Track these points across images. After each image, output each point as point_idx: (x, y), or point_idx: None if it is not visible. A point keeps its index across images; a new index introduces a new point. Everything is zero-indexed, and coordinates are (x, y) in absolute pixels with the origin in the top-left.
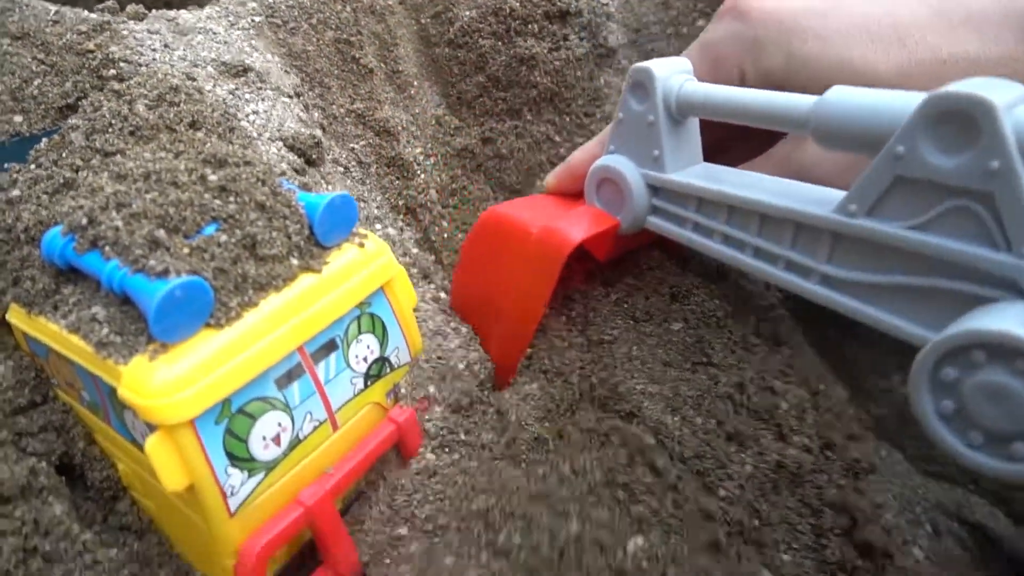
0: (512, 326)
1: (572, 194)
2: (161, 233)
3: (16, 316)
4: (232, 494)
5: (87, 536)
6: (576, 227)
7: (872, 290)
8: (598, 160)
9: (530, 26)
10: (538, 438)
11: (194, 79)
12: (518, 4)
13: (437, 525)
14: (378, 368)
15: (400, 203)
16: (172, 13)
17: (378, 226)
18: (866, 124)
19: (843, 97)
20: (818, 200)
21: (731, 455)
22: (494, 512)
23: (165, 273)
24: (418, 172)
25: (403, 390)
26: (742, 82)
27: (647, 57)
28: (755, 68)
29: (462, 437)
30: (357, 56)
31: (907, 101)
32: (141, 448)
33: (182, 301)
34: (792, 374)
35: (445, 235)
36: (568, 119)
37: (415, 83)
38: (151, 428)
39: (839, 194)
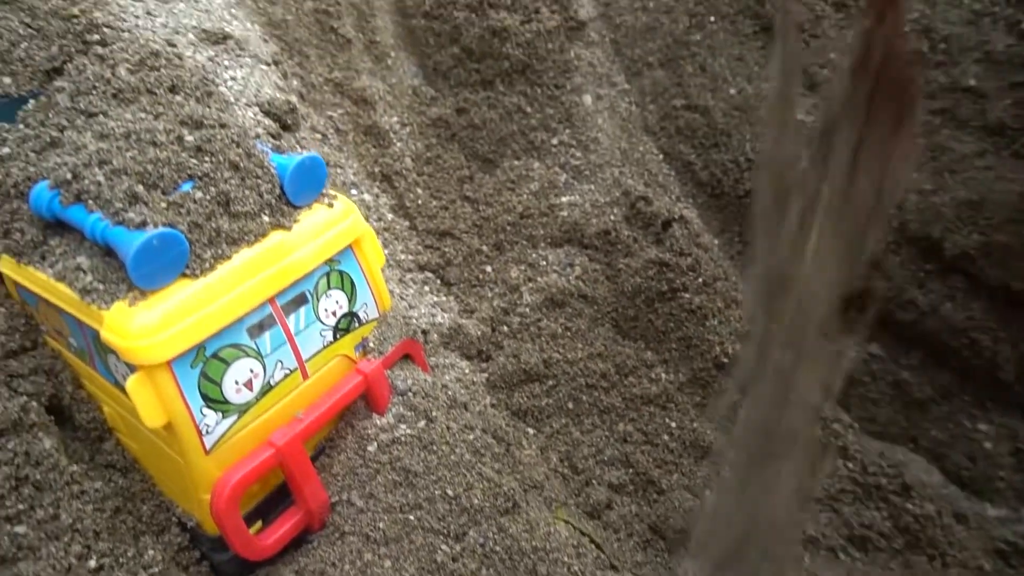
0: None
1: None
2: (140, 188)
3: (7, 266)
4: (207, 433)
5: (74, 468)
6: None
7: None
8: None
9: None
10: None
11: (174, 45)
12: None
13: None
14: (347, 322)
15: (376, 170)
16: None
17: (354, 191)
18: None
19: None
20: None
21: None
22: None
23: (143, 225)
24: (394, 140)
25: (371, 343)
26: None
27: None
28: None
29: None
30: (335, 26)
31: None
32: (124, 391)
33: (159, 250)
34: None
35: (419, 202)
36: (539, 90)
37: (392, 54)
38: (131, 369)
39: None
